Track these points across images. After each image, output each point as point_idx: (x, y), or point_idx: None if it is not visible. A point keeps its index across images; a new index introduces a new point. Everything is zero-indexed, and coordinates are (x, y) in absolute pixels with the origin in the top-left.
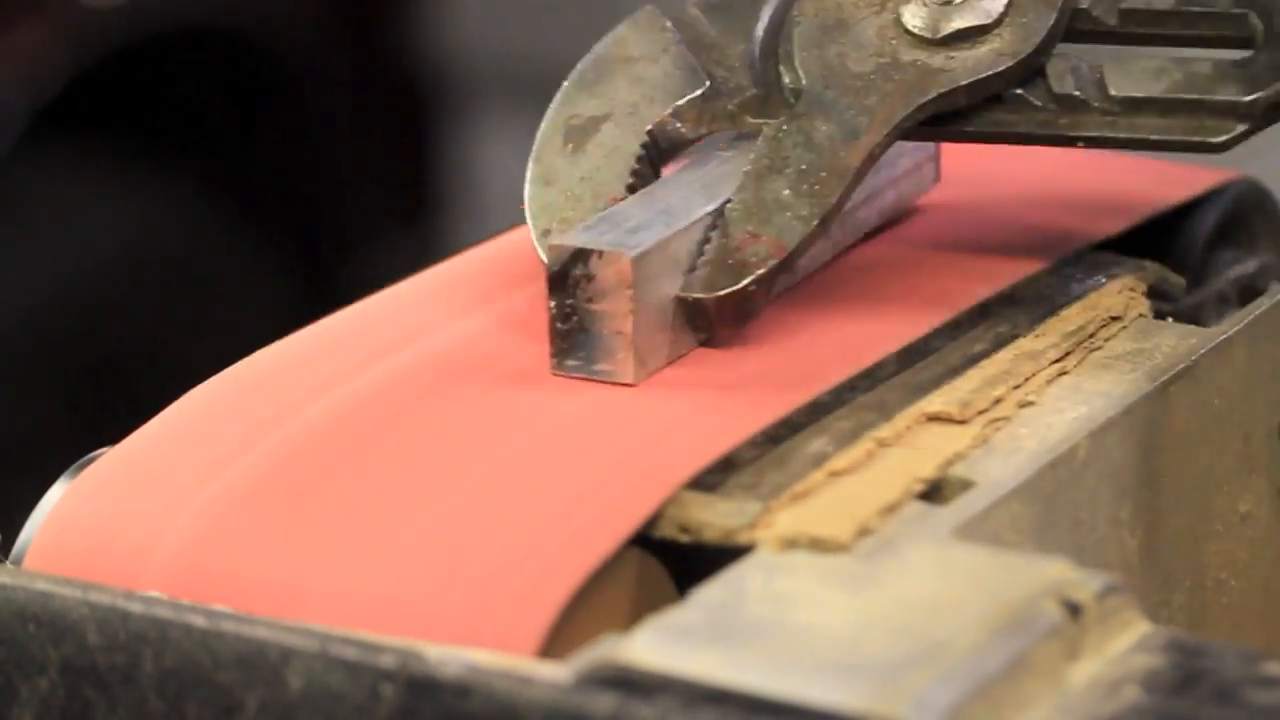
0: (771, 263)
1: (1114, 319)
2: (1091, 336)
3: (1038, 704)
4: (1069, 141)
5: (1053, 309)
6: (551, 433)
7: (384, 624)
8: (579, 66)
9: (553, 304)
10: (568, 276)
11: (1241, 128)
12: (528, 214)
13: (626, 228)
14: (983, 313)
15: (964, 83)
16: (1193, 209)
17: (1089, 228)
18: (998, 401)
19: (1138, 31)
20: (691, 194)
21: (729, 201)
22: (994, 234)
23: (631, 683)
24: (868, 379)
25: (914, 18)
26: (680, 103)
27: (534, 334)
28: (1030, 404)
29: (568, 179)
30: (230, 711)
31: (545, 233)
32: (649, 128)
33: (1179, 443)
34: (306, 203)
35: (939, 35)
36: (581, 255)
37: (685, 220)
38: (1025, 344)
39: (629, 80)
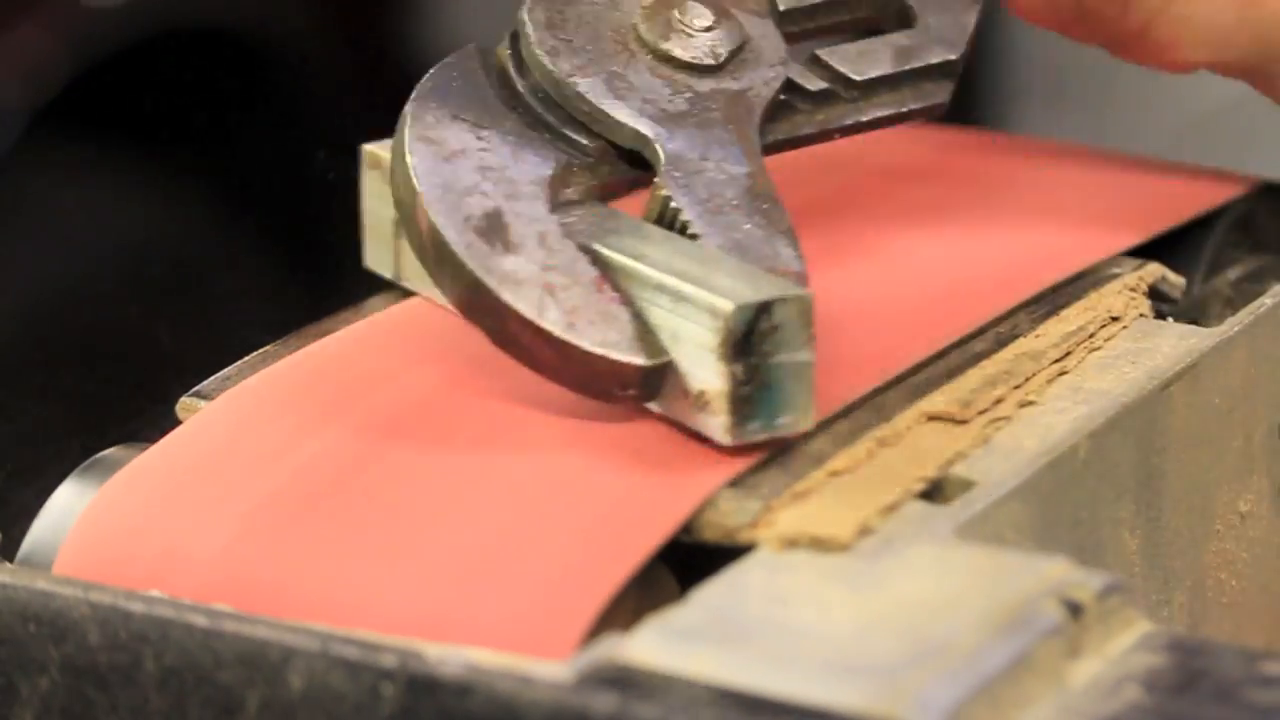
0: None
1: (1114, 319)
2: (1091, 336)
3: (1038, 703)
4: (828, 136)
5: (1053, 309)
6: (581, 441)
7: (418, 633)
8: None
9: (737, 368)
10: (751, 334)
11: (952, 84)
12: (538, 319)
13: (749, 278)
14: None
15: (766, 98)
16: None
17: (1110, 239)
18: (998, 401)
19: (795, 29)
20: (683, 244)
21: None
22: (1012, 245)
23: (632, 682)
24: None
25: (684, 50)
26: (549, 177)
27: None
28: (1031, 404)
29: (532, 275)
30: (231, 711)
31: (569, 326)
32: (548, 210)
33: (1179, 443)
34: (307, 202)
35: (720, 60)
36: (765, 308)
37: (755, 259)
38: (1025, 344)
39: (477, 171)
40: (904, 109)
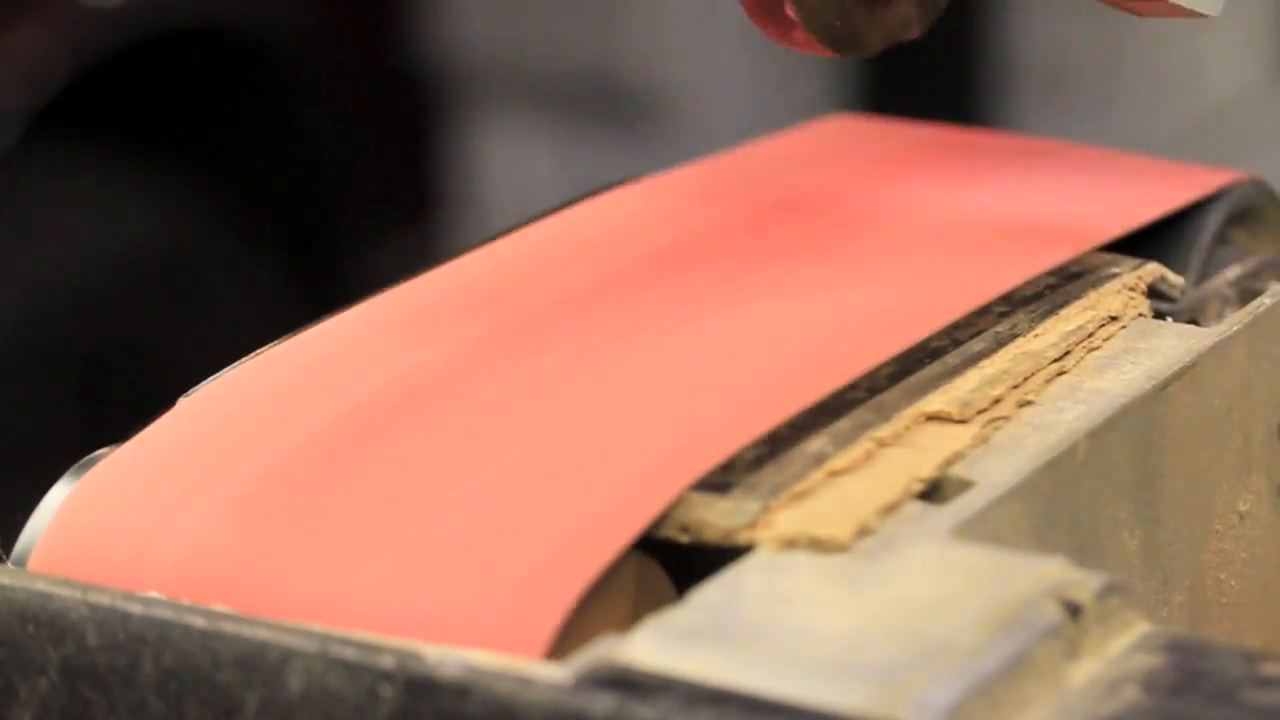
0: None
1: (1113, 319)
2: (1091, 336)
3: (1037, 704)
4: None
5: (1052, 309)
6: (554, 433)
7: (387, 627)
8: None
9: None
10: None
11: None
12: None
13: None
14: (982, 313)
15: None
16: (1194, 208)
17: (1094, 230)
18: (997, 401)
19: None
20: None
21: None
22: (999, 236)
23: (631, 683)
24: (869, 380)
25: None
26: None
27: (534, 335)
28: (1030, 404)
29: None
30: (230, 712)
31: None
32: None
33: (1179, 443)
34: (307, 202)
35: None
36: None
37: None
38: (1025, 344)
39: None
40: None
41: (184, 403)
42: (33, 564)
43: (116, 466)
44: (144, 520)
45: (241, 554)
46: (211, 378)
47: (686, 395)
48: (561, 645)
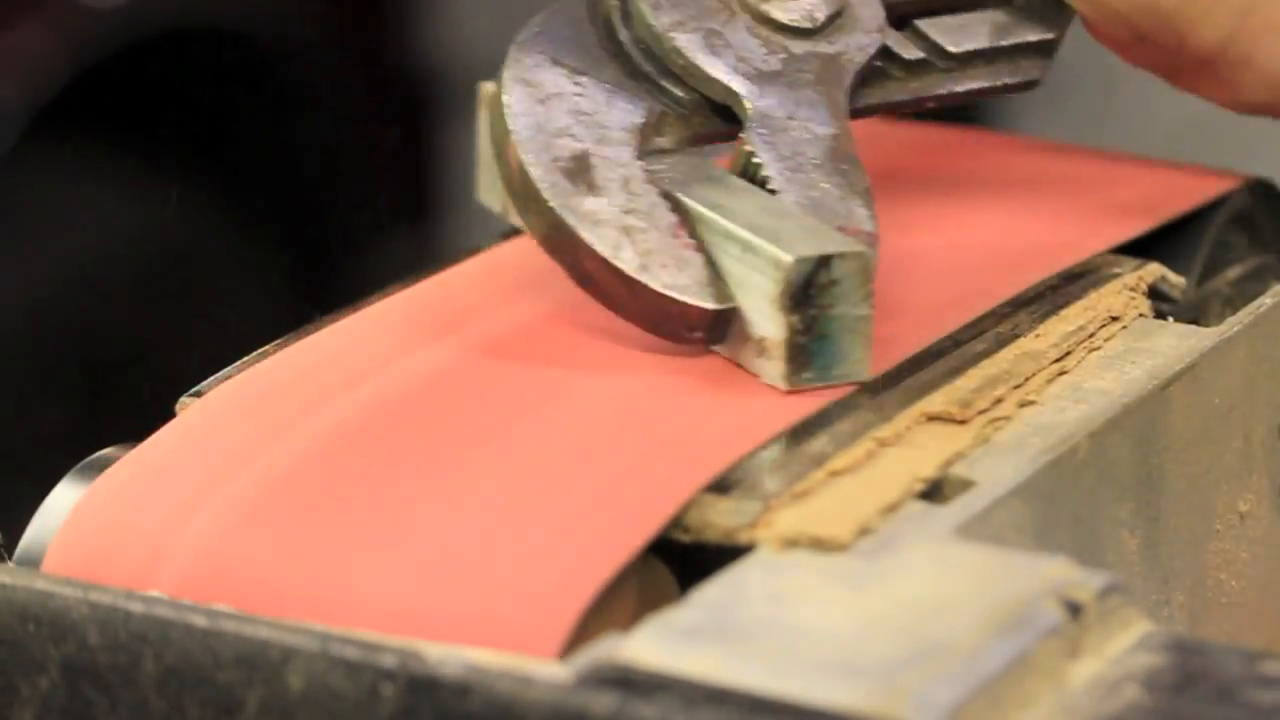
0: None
1: (1114, 319)
2: (1091, 336)
3: (1038, 703)
4: (921, 104)
5: (1053, 309)
6: (568, 432)
7: (401, 630)
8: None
9: (795, 319)
10: (810, 286)
11: (1048, 63)
12: (613, 258)
13: (814, 233)
14: (984, 315)
15: (860, 64)
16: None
17: (1103, 233)
18: (998, 401)
19: (900, 1)
20: (760, 198)
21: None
22: (1008, 239)
23: (632, 682)
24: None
25: (783, 12)
26: (640, 125)
27: (549, 333)
28: (1031, 404)
29: (612, 217)
30: (231, 711)
31: (643, 268)
32: (634, 156)
33: (1179, 442)
34: (307, 202)
35: (818, 25)
36: (824, 262)
37: (829, 217)
38: (1025, 344)
39: (570, 115)
40: (998, 83)
41: (197, 405)
42: (47, 567)
43: (130, 469)
44: (158, 523)
45: (258, 557)
46: (212, 377)
47: (698, 397)
48: (571, 647)
